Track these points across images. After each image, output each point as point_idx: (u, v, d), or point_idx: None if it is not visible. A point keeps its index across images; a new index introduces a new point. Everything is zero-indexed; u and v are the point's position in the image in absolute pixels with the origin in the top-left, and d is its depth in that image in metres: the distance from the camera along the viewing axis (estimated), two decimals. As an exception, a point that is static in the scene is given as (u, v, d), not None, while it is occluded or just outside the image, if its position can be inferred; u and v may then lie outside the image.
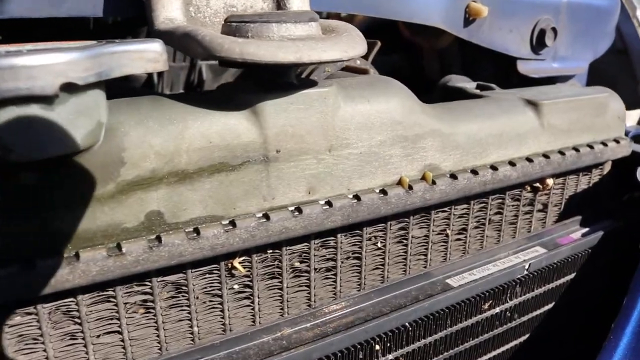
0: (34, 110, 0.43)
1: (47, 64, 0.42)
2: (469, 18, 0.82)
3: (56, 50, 0.43)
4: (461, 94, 0.82)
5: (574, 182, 0.86)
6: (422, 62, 1.13)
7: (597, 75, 1.08)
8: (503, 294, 0.72)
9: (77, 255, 0.49)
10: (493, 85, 0.83)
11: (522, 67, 0.91)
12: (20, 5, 0.58)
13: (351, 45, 0.54)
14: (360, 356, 0.61)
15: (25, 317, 0.51)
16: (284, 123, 0.56)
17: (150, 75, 1.06)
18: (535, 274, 0.74)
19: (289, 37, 0.53)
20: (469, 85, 0.85)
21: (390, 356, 0.63)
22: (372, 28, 1.15)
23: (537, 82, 0.94)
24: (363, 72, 0.71)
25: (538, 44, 0.90)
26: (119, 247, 0.51)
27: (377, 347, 0.62)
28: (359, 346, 0.60)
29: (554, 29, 0.90)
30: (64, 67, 0.42)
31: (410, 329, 0.63)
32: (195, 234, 0.53)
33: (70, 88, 0.44)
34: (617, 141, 0.84)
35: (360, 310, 0.64)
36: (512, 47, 0.89)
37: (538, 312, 0.78)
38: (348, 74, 0.72)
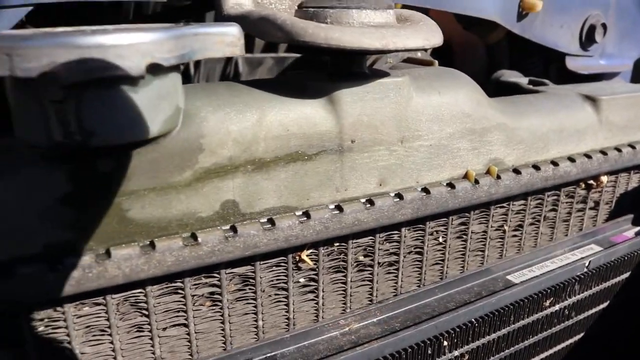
0: (118, 92, 0.42)
1: (134, 43, 0.40)
2: (523, 12, 0.81)
3: (142, 30, 0.41)
4: (516, 89, 0.80)
5: (625, 180, 0.85)
6: (453, 57, 1.11)
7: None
8: (563, 292, 0.70)
9: (152, 245, 0.48)
10: (546, 81, 0.82)
11: (571, 64, 0.90)
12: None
13: (431, 33, 0.53)
14: (429, 352, 0.59)
15: (93, 308, 0.49)
16: (359, 112, 0.54)
17: (187, 66, 1.04)
18: (594, 271, 0.73)
19: (368, 24, 0.52)
20: (522, 80, 0.83)
21: (456, 352, 0.62)
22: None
23: (583, 79, 0.92)
24: (428, 63, 0.70)
25: (587, 40, 0.89)
26: (194, 236, 0.49)
27: (445, 342, 0.60)
28: (428, 342, 0.58)
29: (603, 25, 0.89)
30: (150, 47, 0.41)
31: (476, 325, 0.62)
32: (270, 225, 0.52)
33: (155, 69, 0.42)
34: (671, 139, 0.83)
35: (426, 306, 0.62)
36: (562, 42, 0.87)
37: (594, 310, 0.77)
38: (411, 66, 0.70)
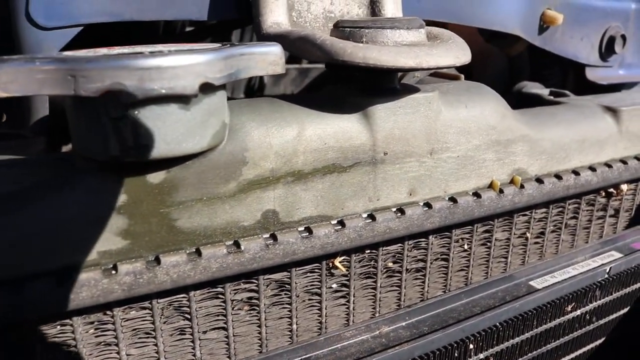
0: (173, 109, 0.45)
1: (189, 64, 0.43)
2: (544, 26, 0.83)
3: (195, 52, 0.44)
4: (538, 100, 0.83)
5: (644, 189, 0.87)
6: (471, 68, 1.13)
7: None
8: (584, 297, 0.73)
9: (198, 252, 0.51)
10: (567, 92, 0.84)
11: (591, 74, 0.92)
12: (131, 7, 0.59)
13: (462, 51, 0.55)
14: (456, 354, 0.62)
15: (140, 312, 0.52)
16: (392, 126, 0.57)
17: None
18: (615, 277, 0.75)
19: (402, 43, 0.54)
20: (543, 91, 0.86)
21: (481, 355, 0.64)
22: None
23: (603, 89, 0.94)
24: (454, 78, 0.73)
25: (607, 51, 0.91)
26: (237, 244, 0.52)
27: (471, 345, 0.63)
28: (455, 344, 0.61)
29: (623, 36, 0.91)
30: (203, 68, 0.44)
31: (501, 329, 0.64)
32: (307, 233, 0.55)
33: (206, 88, 0.45)
34: (690, 148, 0.85)
35: (452, 310, 0.65)
36: (582, 54, 0.90)
37: (614, 315, 0.79)
38: (438, 80, 0.73)
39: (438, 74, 0.75)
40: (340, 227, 0.56)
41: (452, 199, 0.63)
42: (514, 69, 1.00)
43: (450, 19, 0.74)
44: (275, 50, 0.50)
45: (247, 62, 0.48)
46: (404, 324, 0.62)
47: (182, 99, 0.45)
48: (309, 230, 0.55)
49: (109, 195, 0.47)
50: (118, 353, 0.52)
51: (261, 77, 1.11)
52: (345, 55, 0.51)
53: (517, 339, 0.67)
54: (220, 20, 0.84)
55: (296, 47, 0.55)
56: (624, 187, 0.81)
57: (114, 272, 0.48)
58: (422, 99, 0.58)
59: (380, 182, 0.58)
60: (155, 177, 0.48)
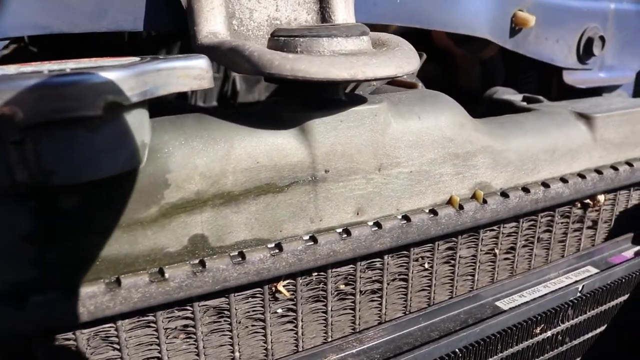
0: (77, 132, 0.41)
1: (92, 83, 0.40)
2: (515, 28, 0.79)
3: (100, 69, 0.41)
4: (509, 107, 0.78)
5: (625, 198, 0.82)
6: (457, 72, 1.09)
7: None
8: (555, 317, 0.68)
9: (118, 281, 0.47)
10: (541, 98, 0.80)
11: (568, 78, 0.87)
12: (61, 19, 0.56)
13: (406, 60, 0.51)
14: (410, 386, 0.58)
15: (63, 343, 0.49)
16: (333, 142, 0.53)
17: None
18: (589, 295, 0.71)
19: (340, 52, 0.51)
20: (516, 97, 0.81)
21: (440, 385, 0.60)
22: (404, 37, 1.12)
23: (582, 93, 0.90)
24: (411, 86, 0.68)
25: (585, 53, 0.86)
26: (161, 272, 0.49)
27: (427, 376, 0.59)
28: (408, 375, 0.57)
29: (601, 38, 0.86)
30: (108, 87, 0.40)
31: (460, 355, 0.60)
32: (240, 259, 0.51)
33: (114, 108, 0.41)
34: (672, 155, 0.80)
35: (409, 335, 0.61)
36: (558, 57, 0.85)
37: (590, 334, 0.75)
38: (395, 88, 0.69)
39: (396, 82, 0.71)
40: (277, 250, 0.52)
41: (406, 217, 0.59)
42: (487, 73, 0.95)
43: (411, 23, 0.70)
44: (199, 64, 0.47)
45: (165, 78, 0.45)
46: (354, 351, 0.58)
47: (87, 121, 0.41)
48: (242, 255, 0.51)
49: (18, 222, 0.44)
50: (41, 388, 0.49)
51: (234, 83, 1.07)
52: (273, 67, 0.47)
53: (479, 365, 0.63)
54: (157, 31, 0.80)
55: (227, 58, 0.52)
56: (601, 197, 0.76)
57: (25, 304, 0.44)
58: (367, 112, 0.54)
59: (322, 201, 0.54)
60: (67, 202, 0.45)
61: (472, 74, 0.97)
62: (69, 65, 0.45)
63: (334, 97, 0.56)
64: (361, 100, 0.55)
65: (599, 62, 0.90)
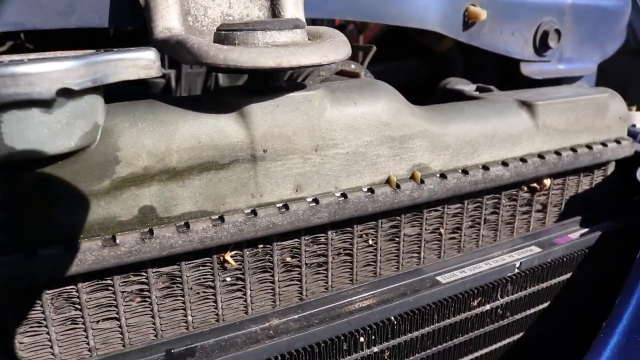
0: (34, 113, 0.48)
1: (44, 71, 0.46)
2: (468, 21, 0.84)
3: (54, 59, 0.47)
4: (459, 96, 0.83)
5: (574, 183, 0.86)
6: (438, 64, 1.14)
7: (610, 76, 1.07)
8: (493, 292, 0.73)
9: (75, 245, 0.54)
10: (492, 87, 0.84)
11: (526, 69, 0.91)
12: (33, 17, 0.63)
13: (332, 50, 0.57)
14: (345, 347, 0.63)
15: (29, 301, 0.56)
16: (270, 124, 0.59)
17: (168, 81, 1.11)
18: (528, 272, 0.75)
19: (272, 44, 0.56)
20: (468, 87, 0.86)
21: (375, 348, 0.66)
22: (391, 34, 1.17)
23: (542, 84, 0.94)
24: (355, 75, 0.74)
25: (541, 45, 0.91)
26: (113, 238, 0.55)
27: (362, 339, 0.64)
28: (342, 337, 0.63)
29: (557, 31, 0.90)
30: (60, 74, 0.47)
31: (395, 322, 0.66)
32: (185, 228, 0.57)
33: (66, 93, 0.48)
34: (618, 142, 0.84)
35: (349, 304, 0.66)
36: (514, 49, 0.90)
37: (532, 310, 0.79)
38: (341, 78, 0.74)
39: (343, 72, 0.77)
40: (219, 222, 0.58)
41: (343, 195, 0.64)
42: (446, 66, 1.00)
43: (361, 17, 0.75)
44: (147, 55, 0.53)
45: (113, 68, 0.51)
46: (295, 317, 0.64)
47: (42, 104, 0.48)
48: (187, 225, 0.57)
49: (-16, 194, 0.51)
50: (12, 341, 0.56)
51: (216, 78, 1.14)
52: (209, 57, 0.53)
53: (415, 333, 0.68)
54: (120, 27, 0.87)
55: (174, 51, 0.58)
56: (547, 181, 0.81)
57: (-8, 264, 0.51)
58: (301, 97, 0.60)
59: (262, 178, 0.60)
60: (29, 176, 0.52)
61: (439, 67, 1.02)
62: (29, 56, 0.52)
63: (275, 84, 0.62)
64: (298, 87, 0.61)
65: (557, 54, 0.94)
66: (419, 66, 1.18)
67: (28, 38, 1.14)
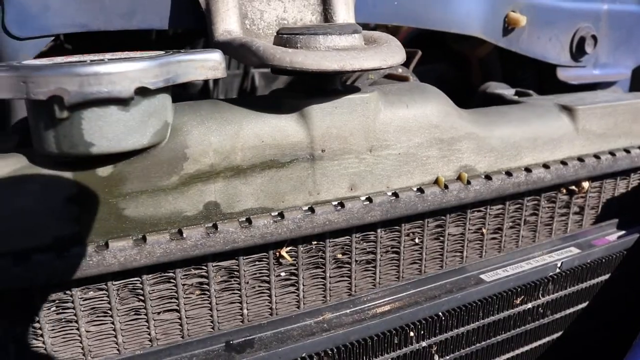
0: (113, 111, 0.51)
1: (124, 71, 0.49)
2: (508, 27, 0.86)
3: (131, 60, 0.50)
4: (499, 100, 0.85)
5: (611, 186, 0.88)
6: (470, 70, 1.16)
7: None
8: (535, 290, 0.75)
9: (144, 238, 0.56)
10: (531, 92, 0.86)
11: (562, 74, 0.93)
12: (97, 18, 0.66)
13: (390, 54, 0.59)
14: (396, 341, 0.65)
15: (97, 292, 0.58)
16: (328, 125, 0.61)
17: (206, 82, 1.14)
18: (568, 272, 0.77)
19: (334, 48, 0.59)
20: (508, 91, 0.88)
21: (424, 343, 0.68)
22: (420, 38, 1.19)
23: (577, 89, 0.96)
24: (403, 79, 0.76)
25: (578, 51, 0.93)
26: (180, 232, 0.57)
27: (412, 333, 0.66)
28: (394, 331, 0.65)
29: (593, 37, 0.92)
30: (138, 74, 0.50)
31: (443, 318, 0.68)
32: (247, 223, 0.59)
33: (143, 92, 0.51)
34: (655, 146, 0.86)
35: (397, 300, 0.68)
36: (551, 54, 0.91)
37: (571, 310, 0.81)
38: (390, 81, 0.76)
39: (391, 76, 0.79)
40: (279, 218, 0.61)
41: (395, 194, 0.66)
42: (485, 70, 1.02)
43: (406, 22, 0.78)
44: (214, 57, 0.56)
45: (184, 69, 0.54)
46: (347, 311, 0.66)
47: (120, 102, 0.51)
48: (249, 220, 0.60)
49: (62, 187, 0.53)
50: (78, 329, 0.58)
51: (253, 80, 1.17)
52: (275, 59, 0.56)
53: (461, 329, 0.70)
54: (181, 28, 0.90)
55: (238, 53, 0.61)
56: (586, 184, 0.82)
57: (67, 254, 0.54)
58: (359, 100, 0.62)
59: (320, 177, 0.63)
60: (104, 171, 0.54)
61: (477, 72, 1.04)
62: (107, 56, 0.54)
63: (331, 87, 0.64)
64: (354, 90, 0.63)
65: (592, 60, 0.96)
66: (448, 70, 1.20)
67: (67, 39, 1.17)
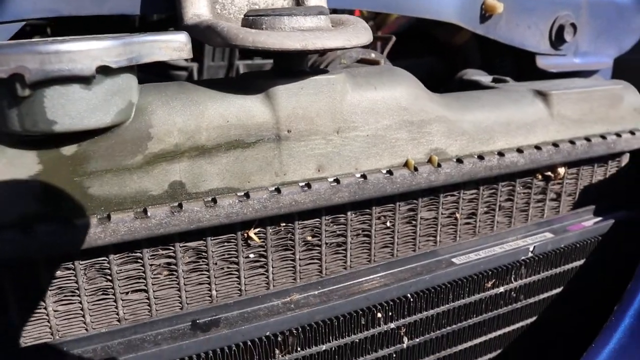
0: (75, 89, 0.51)
1: (86, 49, 0.50)
2: (485, 14, 0.86)
3: (93, 39, 0.51)
4: (475, 86, 0.85)
5: (588, 173, 0.88)
6: (455, 61, 1.16)
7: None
8: (507, 274, 0.75)
9: (108, 217, 0.57)
10: (507, 78, 0.86)
11: (542, 62, 0.93)
12: (68, 4, 0.66)
13: (354, 35, 0.59)
14: (363, 322, 0.66)
15: (65, 272, 0.59)
16: (294, 106, 0.62)
17: (190, 74, 1.15)
18: (541, 257, 0.77)
19: (298, 29, 0.59)
20: (484, 78, 0.88)
21: (392, 324, 0.68)
22: (407, 31, 1.20)
23: (558, 78, 0.96)
24: (375, 63, 0.76)
25: (557, 39, 0.93)
26: (145, 211, 0.58)
27: (379, 314, 0.66)
28: (360, 312, 0.65)
29: (573, 25, 0.92)
30: (100, 52, 0.50)
31: (411, 300, 0.68)
32: (212, 203, 0.60)
33: (105, 70, 0.51)
34: (632, 133, 0.86)
35: (366, 282, 0.69)
36: (530, 42, 0.91)
37: (545, 295, 0.81)
38: (362, 66, 0.77)
39: (363, 60, 0.79)
40: (245, 198, 0.61)
41: (363, 176, 0.67)
42: (463, 58, 1.02)
43: (380, 8, 0.78)
44: (179, 38, 0.56)
45: (149, 49, 0.54)
46: (315, 292, 0.67)
47: (82, 80, 0.51)
48: (214, 200, 0.60)
49: (26, 165, 0.54)
50: (45, 309, 0.59)
51: (237, 71, 1.17)
52: (238, 40, 0.56)
53: (430, 312, 0.70)
54: (153, 14, 0.90)
55: (204, 35, 0.61)
56: (561, 170, 0.82)
57: (31, 232, 0.54)
58: (325, 81, 0.63)
59: (286, 158, 0.63)
60: (68, 150, 0.55)
61: (457, 60, 1.04)
62: (72, 38, 0.55)
63: (298, 68, 0.64)
64: (321, 72, 0.64)
65: (573, 48, 0.96)
66: (437, 63, 1.20)
67: (44, 28, 1.18)
